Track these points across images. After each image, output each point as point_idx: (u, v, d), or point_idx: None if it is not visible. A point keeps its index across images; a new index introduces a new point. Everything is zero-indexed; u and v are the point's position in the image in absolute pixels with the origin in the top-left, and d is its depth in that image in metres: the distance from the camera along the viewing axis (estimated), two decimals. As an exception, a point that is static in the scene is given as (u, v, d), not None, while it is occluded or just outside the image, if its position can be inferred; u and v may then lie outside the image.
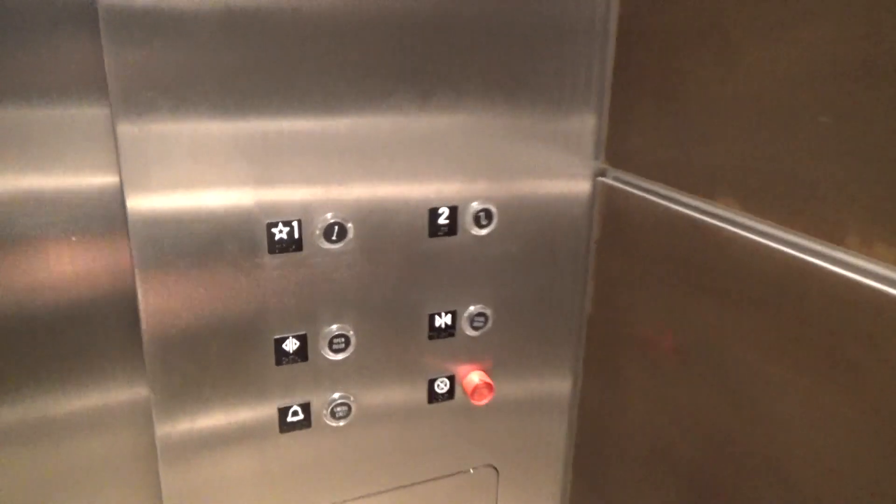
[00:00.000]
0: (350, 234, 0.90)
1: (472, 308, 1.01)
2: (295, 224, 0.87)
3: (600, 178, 1.01)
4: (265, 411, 0.93)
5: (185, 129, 0.78)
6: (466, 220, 0.96)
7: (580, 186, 1.01)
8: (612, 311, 1.02)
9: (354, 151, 0.87)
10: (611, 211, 0.99)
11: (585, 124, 0.98)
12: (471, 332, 1.02)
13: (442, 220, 0.95)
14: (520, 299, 1.04)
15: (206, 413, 0.90)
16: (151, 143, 0.77)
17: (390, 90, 0.86)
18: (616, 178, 0.99)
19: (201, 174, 0.80)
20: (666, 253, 0.89)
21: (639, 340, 0.97)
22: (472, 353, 1.04)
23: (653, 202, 0.90)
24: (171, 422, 0.89)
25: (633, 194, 0.94)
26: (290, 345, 0.91)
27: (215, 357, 0.88)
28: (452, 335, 1.01)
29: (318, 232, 0.88)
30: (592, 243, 1.05)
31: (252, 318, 0.89)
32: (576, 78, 0.95)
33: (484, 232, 0.98)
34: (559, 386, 1.12)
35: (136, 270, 0.81)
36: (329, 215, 0.88)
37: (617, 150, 0.97)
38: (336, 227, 0.89)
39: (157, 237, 0.81)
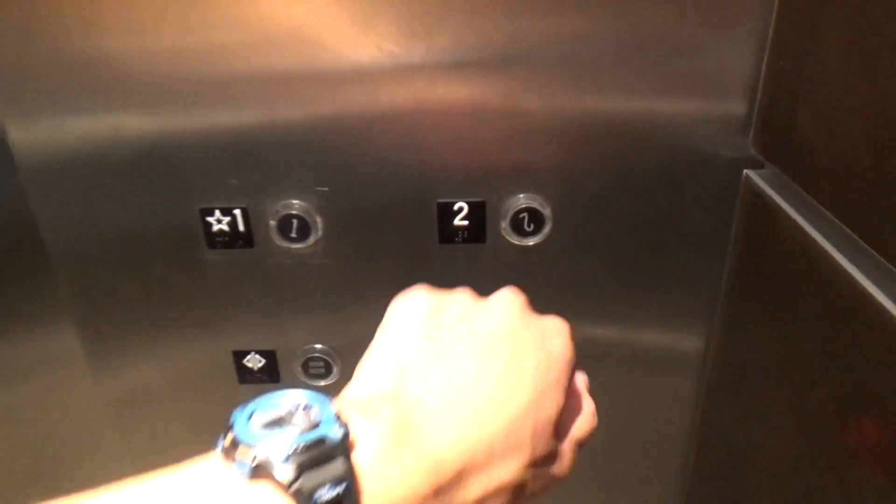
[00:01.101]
0: (318, 232, 0.63)
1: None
2: (238, 213, 0.63)
3: (749, 172, 0.58)
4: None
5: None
6: (499, 221, 0.62)
7: (715, 177, 0.59)
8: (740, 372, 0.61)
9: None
10: (756, 224, 0.56)
11: (734, 77, 0.55)
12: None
13: (459, 220, 0.62)
14: (591, 331, 0.68)
15: (165, 421, 0.75)
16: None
17: None
18: (772, 180, 0.55)
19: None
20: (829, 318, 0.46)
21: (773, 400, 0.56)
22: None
23: (811, 241, 0.46)
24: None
25: (785, 214, 0.51)
26: (254, 362, 0.70)
27: (166, 369, 0.71)
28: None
29: (272, 224, 0.63)
30: (727, 263, 0.62)
31: (202, 327, 0.69)
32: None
33: (531, 240, 0.63)
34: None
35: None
36: (281, 205, 0.62)
37: (779, 133, 0.53)
38: (295, 221, 0.62)
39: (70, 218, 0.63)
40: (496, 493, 0.29)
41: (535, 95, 0.57)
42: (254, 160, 0.60)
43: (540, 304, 0.66)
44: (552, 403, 0.31)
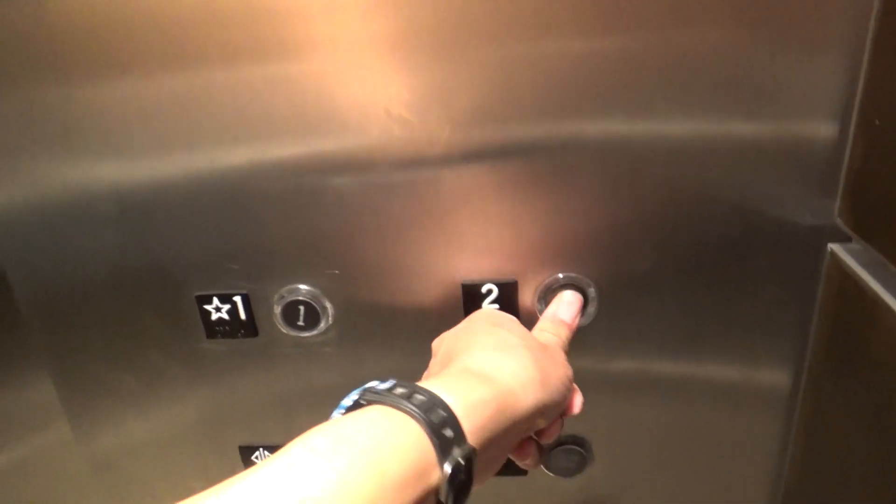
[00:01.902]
0: (328, 318, 0.56)
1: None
2: (238, 300, 0.55)
3: (835, 246, 0.48)
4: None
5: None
6: (535, 302, 0.54)
7: (793, 249, 0.50)
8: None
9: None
10: (844, 307, 0.47)
11: (818, 148, 0.46)
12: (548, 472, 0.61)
13: (488, 304, 0.54)
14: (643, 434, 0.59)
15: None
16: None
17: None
18: (863, 258, 0.46)
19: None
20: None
21: None
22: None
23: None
24: None
25: (881, 301, 0.41)
26: (262, 458, 0.63)
27: (166, 466, 0.64)
28: (522, 473, 0.61)
29: (277, 311, 0.56)
30: (809, 346, 0.52)
31: (205, 420, 0.62)
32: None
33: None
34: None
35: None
36: (286, 290, 0.55)
37: (872, 202, 0.43)
38: (302, 308, 0.55)
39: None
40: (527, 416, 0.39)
41: (574, 157, 0.48)
42: (254, 241, 0.53)
43: (589, 394, 0.58)
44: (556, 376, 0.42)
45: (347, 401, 0.37)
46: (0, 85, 0.49)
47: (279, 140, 0.49)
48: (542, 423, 0.42)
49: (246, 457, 0.62)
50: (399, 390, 0.35)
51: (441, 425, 0.33)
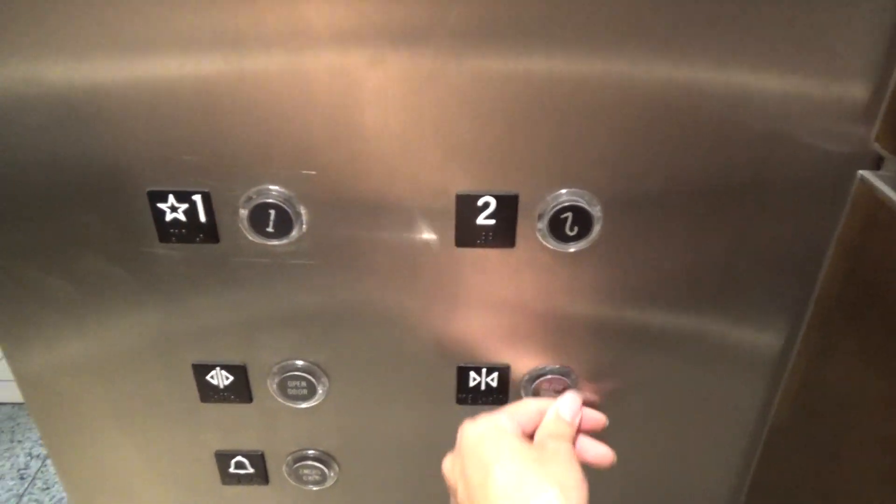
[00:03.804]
0: (301, 225, 0.49)
1: (541, 365, 0.56)
2: (198, 199, 0.48)
3: (866, 174, 0.44)
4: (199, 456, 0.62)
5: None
6: (534, 221, 0.49)
7: (820, 176, 0.46)
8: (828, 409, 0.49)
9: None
10: (868, 237, 0.44)
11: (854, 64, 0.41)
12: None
13: (483, 219, 0.49)
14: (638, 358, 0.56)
15: (115, 454, 0.62)
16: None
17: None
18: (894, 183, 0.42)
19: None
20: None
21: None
22: (539, 435, 0.60)
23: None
24: (72, 468, 0.63)
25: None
26: (220, 378, 0.57)
27: (109, 386, 0.57)
28: (502, 402, 0.58)
29: (243, 214, 0.49)
30: (819, 284, 0.50)
31: (154, 335, 0.55)
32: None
33: (572, 247, 0.49)
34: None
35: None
36: (254, 191, 0.48)
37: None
38: (273, 212, 0.48)
39: None
40: None
41: (586, 57, 0.43)
42: (220, 131, 0.46)
43: (579, 326, 0.54)
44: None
45: None
46: None
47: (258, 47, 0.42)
48: None
49: (200, 375, 0.57)
50: None
51: None
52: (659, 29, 0.41)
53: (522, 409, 0.51)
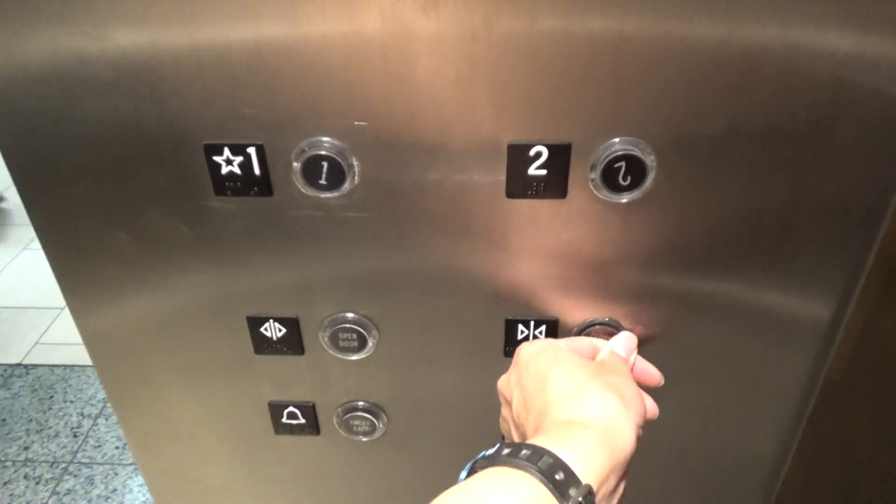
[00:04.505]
0: (354, 178, 0.50)
1: (589, 318, 0.56)
2: (252, 152, 0.49)
3: (934, 115, 0.43)
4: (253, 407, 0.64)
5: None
6: (587, 171, 0.48)
7: (884, 121, 0.45)
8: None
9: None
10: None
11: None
12: (584, 358, 0.57)
13: (535, 169, 0.48)
14: (682, 314, 0.55)
15: (174, 405, 0.64)
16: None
17: None
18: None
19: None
20: None
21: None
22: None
23: None
24: (134, 420, 0.65)
25: None
26: (273, 330, 0.58)
27: (169, 340, 0.59)
28: (551, 356, 0.58)
29: (296, 167, 0.49)
30: (878, 240, 0.49)
31: (211, 287, 0.56)
32: None
33: (625, 197, 0.49)
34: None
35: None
36: (307, 143, 0.48)
37: None
38: (325, 164, 0.49)
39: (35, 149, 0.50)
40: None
41: (643, 13, 0.42)
42: (274, 84, 0.46)
43: (629, 280, 0.53)
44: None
45: (463, 473, 0.40)
46: None
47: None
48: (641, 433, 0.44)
49: (254, 327, 0.58)
50: (506, 451, 0.38)
51: (552, 471, 0.36)
52: (721, -32, 0.40)
53: (577, 343, 0.51)
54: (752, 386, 0.58)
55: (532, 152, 0.48)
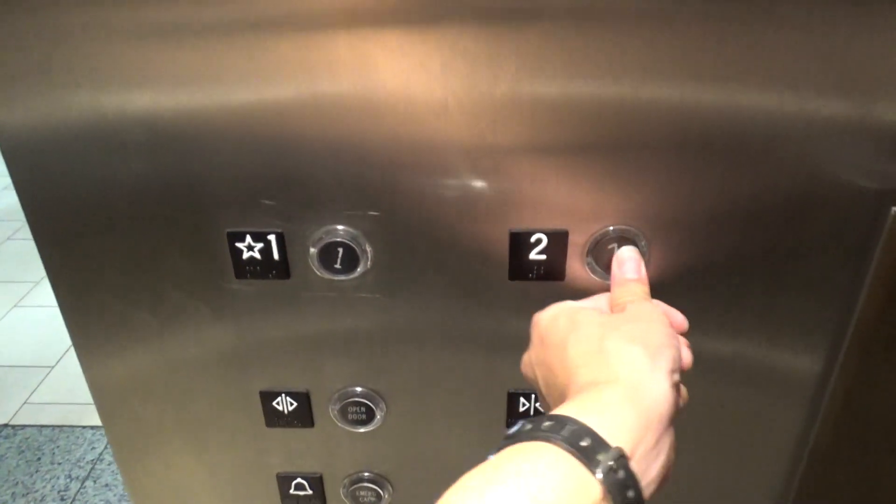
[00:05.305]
0: (367, 262, 0.53)
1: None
2: (272, 239, 0.53)
3: (897, 209, 0.48)
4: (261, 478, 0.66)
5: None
6: (584, 255, 0.52)
7: (850, 212, 0.49)
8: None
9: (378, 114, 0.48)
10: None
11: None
12: (583, 429, 0.60)
13: (536, 254, 0.52)
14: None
15: (182, 473, 0.66)
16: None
17: None
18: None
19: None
20: None
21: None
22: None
23: None
24: (141, 485, 0.67)
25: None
26: (284, 404, 0.61)
27: (181, 410, 0.62)
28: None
29: (313, 252, 0.53)
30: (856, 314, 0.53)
31: (226, 363, 0.59)
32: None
33: (619, 280, 0.53)
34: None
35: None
36: (324, 231, 0.52)
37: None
38: (341, 250, 0.53)
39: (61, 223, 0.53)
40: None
41: (629, 97, 0.47)
42: (294, 176, 0.50)
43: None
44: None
45: (490, 456, 0.36)
46: (32, 8, 0.45)
47: (329, 78, 0.46)
48: (678, 379, 0.41)
49: (267, 402, 0.60)
50: (527, 426, 0.35)
51: (576, 438, 0.33)
52: (706, 66, 0.45)
53: (598, 300, 0.49)
54: (743, 449, 0.61)
55: (533, 239, 0.52)
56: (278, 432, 0.62)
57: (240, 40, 0.45)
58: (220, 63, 0.46)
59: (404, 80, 0.46)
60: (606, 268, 0.52)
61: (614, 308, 0.47)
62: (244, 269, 0.54)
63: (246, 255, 0.53)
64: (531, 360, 0.46)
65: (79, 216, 0.52)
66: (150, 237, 0.53)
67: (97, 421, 2.10)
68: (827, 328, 0.54)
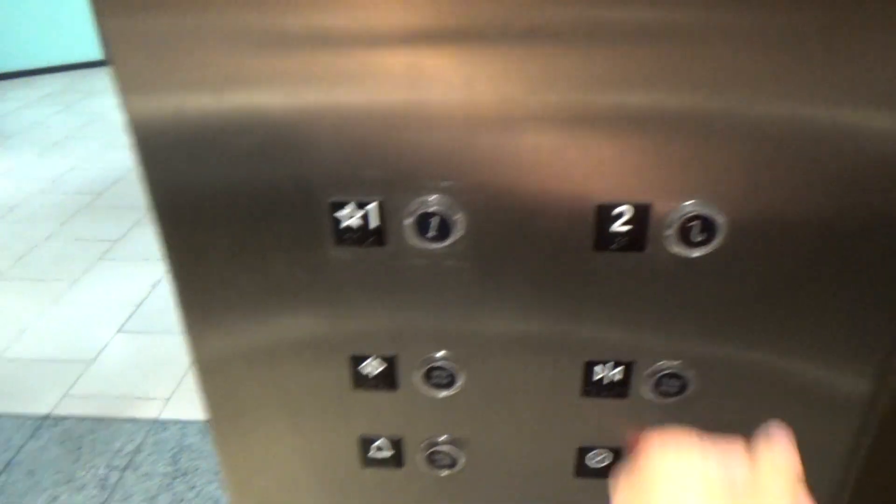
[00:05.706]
0: (458, 231, 0.57)
1: (658, 364, 0.62)
2: (372, 207, 0.57)
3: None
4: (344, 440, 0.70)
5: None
6: (663, 229, 0.56)
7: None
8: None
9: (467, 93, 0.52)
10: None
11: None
12: (652, 397, 0.64)
13: (618, 226, 0.56)
14: (750, 365, 0.62)
15: (271, 436, 0.70)
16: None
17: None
18: None
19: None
20: None
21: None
22: (652, 425, 0.66)
23: None
24: (231, 447, 0.71)
25: None
26: (372, 367, 0.65)
27: (275, 373, 0.66)
28: (623, 396, 0.64)
29: (408, 221, 0.57)
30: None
31: (320, 328, 0.63)
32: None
33: (696, 252, 0.56)
34: None
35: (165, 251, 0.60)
36: (418, 202, 0.56)
37: None
38: (435, 219, 0.57)
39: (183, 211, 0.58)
40: None
41: (721, 85, 0.50)
42: (394, 148, 0.54)
43: (695, 324, 0.60)
44: None
45: None
46: (174, 14, 0.50)
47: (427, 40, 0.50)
48: None
49: (355, 366, 0.64)
50: None
51: None
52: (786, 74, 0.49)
53: (727, 452, 0.42)
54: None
55: (616, 211, 0.55)
56: (363, 395, 0.66)
57: (351, 49, 0.50)
58: (330, 67, 0.51)
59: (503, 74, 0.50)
60: (686, 241, 0.56)
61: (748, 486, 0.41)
62: (343, 236, 0.58)
63: (345, 223, 0.57)
64: (632, 490, 0.42)
65: (197, 194, 0.57)
66: (260, 208, 0.57)
67: (136, 414, 2.16)
68: (879, 345, 0.58)
